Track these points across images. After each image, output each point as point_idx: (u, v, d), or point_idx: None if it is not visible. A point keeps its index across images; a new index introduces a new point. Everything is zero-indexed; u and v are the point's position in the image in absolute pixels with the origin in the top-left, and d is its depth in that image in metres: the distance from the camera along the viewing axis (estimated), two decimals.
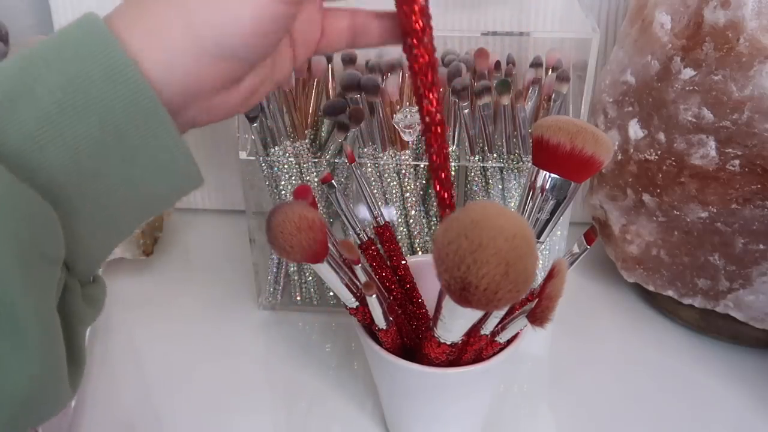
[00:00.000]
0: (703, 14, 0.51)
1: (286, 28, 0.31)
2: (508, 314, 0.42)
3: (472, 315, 0.37)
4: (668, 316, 0.63)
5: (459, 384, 0.44)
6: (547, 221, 0.42)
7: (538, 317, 0.38)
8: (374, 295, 0.41)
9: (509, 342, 0.44)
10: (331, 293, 0.63)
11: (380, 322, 0.43)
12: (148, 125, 0.29)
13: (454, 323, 0.39)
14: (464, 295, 0.32)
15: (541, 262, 0.60)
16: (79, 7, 0.69)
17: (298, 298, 0.64)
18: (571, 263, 0.43)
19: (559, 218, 0.43)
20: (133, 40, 0.29)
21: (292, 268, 0.62)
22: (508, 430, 0.53)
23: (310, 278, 0.63)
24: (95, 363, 0.59)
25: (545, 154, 0.40)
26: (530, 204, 0.42)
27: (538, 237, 0.43)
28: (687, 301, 0.58)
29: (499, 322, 0.42)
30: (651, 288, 0.60)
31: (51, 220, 0.28)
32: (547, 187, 0.41)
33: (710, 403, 0.55)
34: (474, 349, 0.43)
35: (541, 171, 0.41)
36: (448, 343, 0.41)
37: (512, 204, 0.58)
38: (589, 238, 0.42)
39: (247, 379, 0.58)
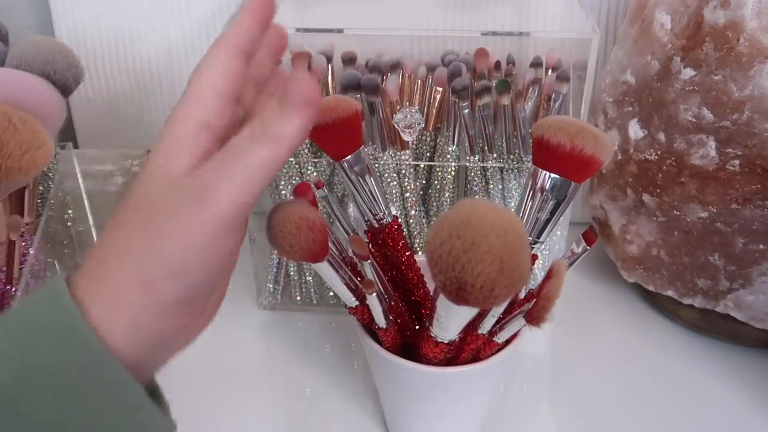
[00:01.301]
0: (703, 14, 0.51)
1: (228, 256, 0.31)
2: (505, 314, 0.42)
3: (468, 313, 0.37)
4: (668, 316, 0.63)
5: (458, 383, 0.44)
6: (547, 221, 0.42)
7: (534, 317, 0.39)
8: (374, 294, 0.41)
9: (508, 342, 0.44)
10: (331, 293, 0.63)
11: (380, 321, 0.43)
12: (110, 389, 0.29)
13: (449, 322, 0.39)
14: (461, 295, 0.32)
15: (541, 262, 0.60)
16: (79, 8, 0.69)
17: (298, 298, 0.64)
18: (571, 264, 0.43)
19: (559, 218, 0.43)
20: (99, 312, 0.28)
21: (292, 268, 0.62)
22: (508, 430, 0.53)
23: (310, 278, 0.63)
24: None
25: (545, 154, 0.40)
26: (530, 204, 0.42)
27: (538, 237, 0.43)
28: (687, 301, 0.58)
29: (497, 323, 0.42)
30: (651, 288, 0.60)
31: None
32: (547, 187, 0.41)
33: (710, 403, 0.55)
34: (471, 348, 0.43)
35: (541, 171, 0.41)
36: (446, 341, 0.41)
37: (512, 204, 0.58)
38: (588, 238, 0.42)
39: (247, 378, 0.58)
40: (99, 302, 0.29)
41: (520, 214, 0.43)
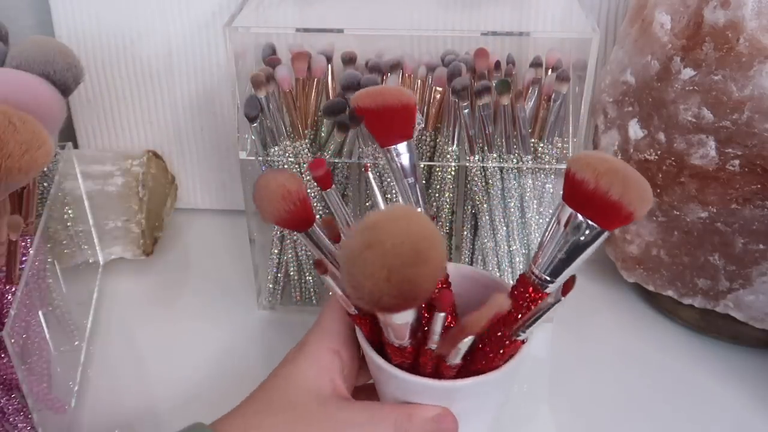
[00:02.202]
0: (703, 14, 0.51)
1: None
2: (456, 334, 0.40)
3: (398, 318, 0.37)
4: (668, 316, 0.63)
5: (465, 395, 0.43)
6: (563, 261, 0.39)
7: (441, 345, 0.38)
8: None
9: (509, 358, 0.42)
10: (331, 293, 0.63)
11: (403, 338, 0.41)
12: None
13: (386, 328, 0.39)
14: (354, 293, 0.32)
15: None
16: (79, 8, 0.69)
17: (298, 298, 0.64)
18: (538, 315, 0.39)
19: (579, 263, 0.39)
20: None
21: (292, 268, 0.62)
22: (508, 430, 0.53)
23: (310, 278, 0.63)
24: (95, 363, 0.59)
25: (570, 189, 0.37)
26: (549, 237, 0.39)
27: (552, 275, 0.39)
28: (687, 301, 0.58)
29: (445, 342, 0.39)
30: (651, 288, 0.60)
31: None
32: (568, 224, 0.38)
33: (710, 403, 0.55)
34: (426, 362, 0.40)
35: (565, 206, 0.38)
36: (396, 345, 0.40)
37: (512, 204, 0.58)
38: (566, 287, 0.39)
39: (247, 378, 0.58)
40: None
41: (540, 247, 0.39)
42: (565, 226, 0.38)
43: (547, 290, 0.40)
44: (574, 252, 0.38)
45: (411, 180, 0.45)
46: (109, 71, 0.72)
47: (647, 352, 0.60)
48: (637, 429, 0.53)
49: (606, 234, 0.37)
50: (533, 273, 0.40)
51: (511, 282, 0.62)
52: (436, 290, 0.41)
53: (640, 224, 0.58)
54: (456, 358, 0.39)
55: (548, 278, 0.40)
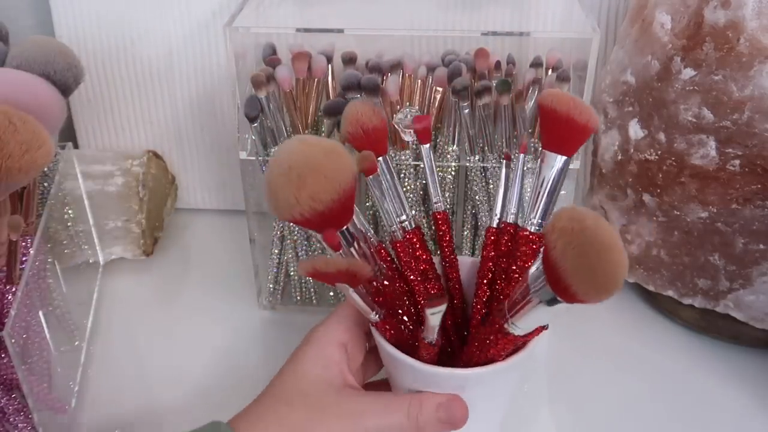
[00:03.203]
0: (704, 14, 0.51)
1: None
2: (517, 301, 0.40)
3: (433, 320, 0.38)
4: (668, 316, 0.63)
5: (485, 383, 0.43)
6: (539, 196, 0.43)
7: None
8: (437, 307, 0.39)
9: (522, 346, 0.42)
10: (331, 293, 0.63)
11: (432, 335, 0.41)
12: None
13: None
14: (272, 204, 0.38)
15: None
16: (80, 8, 0.69)
17: (298, 298, 0.64)
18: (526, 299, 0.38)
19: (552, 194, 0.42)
20: None
21: (292, 268, 0.62)
22: (508, 430, 0.53)
23: (310, 278, 0.62)
24: (95, 363, 0.59)
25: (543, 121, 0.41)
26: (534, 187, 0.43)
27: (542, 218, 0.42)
28: (687, 301, 0.58)
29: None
30: (651, 288, 0.60)
31: None
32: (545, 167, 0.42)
33: (710, 403, 0.55)
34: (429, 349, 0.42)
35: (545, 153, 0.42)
36: (426, 341, 0.41)
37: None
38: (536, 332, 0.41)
39: (247, 379, 0.58)
40: None
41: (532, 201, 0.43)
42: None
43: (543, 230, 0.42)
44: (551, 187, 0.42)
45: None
46: (109, 71, 0.72)
47: (647, 352, 0.60)
48: (637, 429, 0.53)
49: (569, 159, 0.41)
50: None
51: None
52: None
53: (640, 224, 0.58)
54: (430, 335, 0.40)
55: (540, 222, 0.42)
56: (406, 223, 0.47)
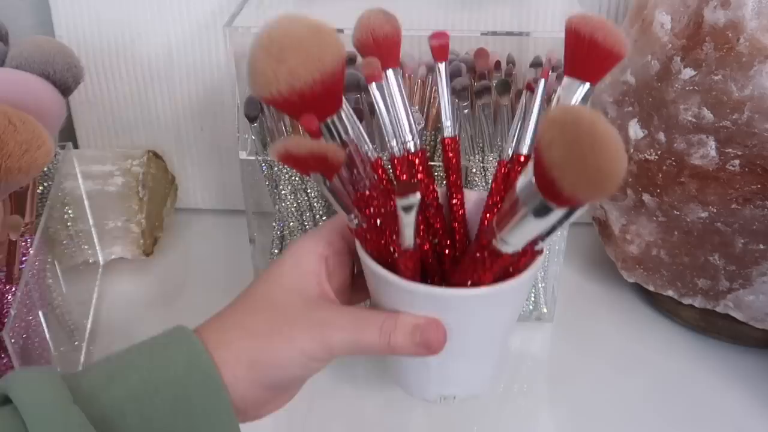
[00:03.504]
0: (703, 14, 0.51)
1: (320, 369, 0.39)
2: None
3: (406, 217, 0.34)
4: (668, 316, 0.63)
5: (487, 304, 0.39)
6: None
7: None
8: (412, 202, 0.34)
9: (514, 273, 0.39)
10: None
11: (408, 240, 0.37)
12: (214, 406, 0.35)
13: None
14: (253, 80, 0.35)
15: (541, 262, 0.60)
16: (80, 8, 0.69)
17: None
18: (517, 214, 0.34)
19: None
20: (213, 355, 0.36)
21: None
22: (508, 430, 0.53)
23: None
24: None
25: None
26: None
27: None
28: (687, 301, 0.58)
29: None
30: (651, 288, 0.60)
31: None
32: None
33: (710, 403, 0.55)
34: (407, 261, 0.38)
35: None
36: (403, 248, 0.37)
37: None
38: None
39: None
40: (218, 352, 0.36)
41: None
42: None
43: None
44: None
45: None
46: (109, 71, 0.72)
47: (647, 352, 0.60)
48: (637, 429, 0.53)
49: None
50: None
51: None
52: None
53: (640, 224, 0.58)
54: (406, 240, 0.36)
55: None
56: (410, 144, 0.43)
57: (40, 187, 0.57)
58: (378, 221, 0.39)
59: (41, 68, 0.49)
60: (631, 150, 0.57)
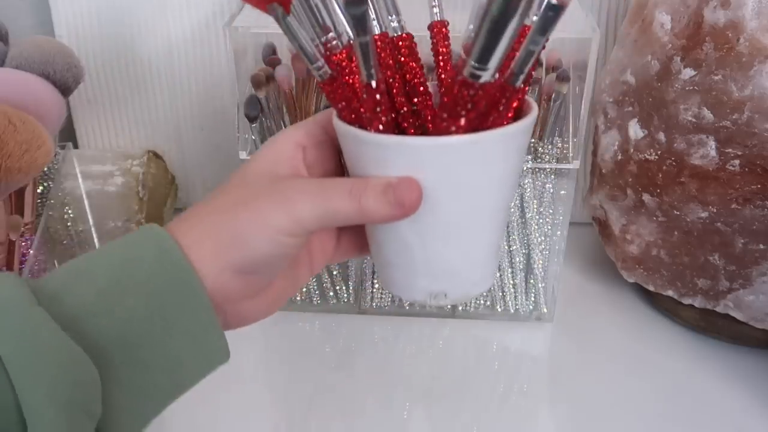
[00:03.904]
0: (703, 14, 0.51)
1: (296, 251, 0.36)
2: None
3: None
4: (668, 316, 0.63)
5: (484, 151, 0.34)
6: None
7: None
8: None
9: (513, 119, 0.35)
10: (331, 293, 0.63)
11: (366, 74, 0.33)
12: (188, 303, 0.33)
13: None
14: None
15: (541, 262, 0.60)
16: (80, 8, 0.69)
17: (299, 298, 0.64)
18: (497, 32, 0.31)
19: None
20: (181, 245, 0.34)
21: None
22: (508, 430, 0.53)
23: (310, 278, 0.63)
24: None
25: None
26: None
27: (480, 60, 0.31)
28: (687, 301, 0.58)
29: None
30: (651, 288, 0.60)
31: (93, 375, 0.31)
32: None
33: (710, 403, 0.55)
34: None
35: None
36: (370, 84, 0.33)
37: (512, 204, 0.58)
38: None
39: (247, 378, 0.58)
40: (185, 239, 0.34)
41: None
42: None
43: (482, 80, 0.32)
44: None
45: None
46: (109, 71, 0.72)
47: (647, 352, 0.60)
48: (637, 429, 0.53)
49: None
50: None
51: (512, 282, 0.62)
52: None
53: (640, 224, 0.58)
54: (365, 69, 0.33)
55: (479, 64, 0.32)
56: (395, 23, 0.39)
57: (40, 187, 0.57)
58: (345, 65, 0.36)
59: (41, 68, 0.49)
60: (631, 150, 0.57)
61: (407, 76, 0.40)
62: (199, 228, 0.35)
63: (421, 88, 0.40)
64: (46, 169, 0.57)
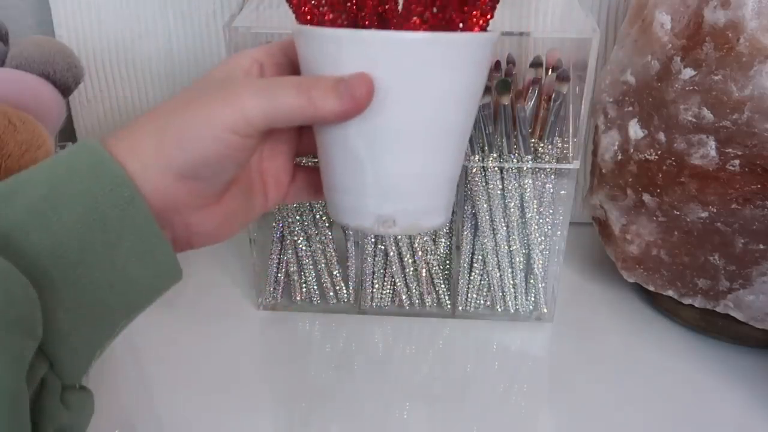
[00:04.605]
0: (703, 14, 0.51)
1: (243, 156, 0.34)
2: None
3: None
4: (668, 316, 0.63)
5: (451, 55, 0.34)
6: None
7: None
8: None
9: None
10: (332, 293, 0.63)
11: None
12: (128, 212, 0.32)
13: None
14: None
15: (541, 262, 0.60)
16: (79, 8, 0.69)
17: (298, 298, 0.64)
18: None
19: None
20: (119, 154, 0.33)
21: (292, 268, 0.62)
22: (508, 430, 0.53)
23: (310, 278, 0.63)
24: (95, 363, 0.59)
25: None
26: None
27: None
28: (687, 301, 0.58)
29: None
30: (651, 288, 0.60)
31: (28, 293, 0.29)
32: None
33: (710, 403, 0.55)
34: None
35: None
36: None
37: (512, 204, 0.58)
38: None
39: (247, 379, 0.58)
40: (122, 151, 0.32)
41: None
42: None
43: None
44: None
45: None
46: (109, 71, 0.72)
47: (647, 352, 0.60)
48: (637, 429, 0.53)
49: None
50: None
51: (512, 282, 0.62)
52: None
53: (640, 224, 0.58)
54: None
55: None
56: None
57: None
58: None
59: (41, 68, 0.49)
60: (631, 150, 0.57)
61: None
62: (140, 132, 0.33)
63: None
64: None
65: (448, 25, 0.34)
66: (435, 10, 0.33)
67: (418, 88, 0.34)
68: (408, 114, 0.34)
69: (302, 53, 0.36)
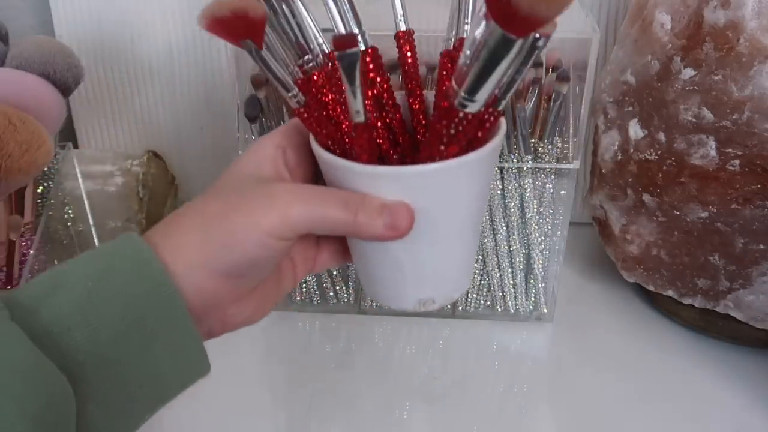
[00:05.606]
0: (703, 14, 0.51)
1: (282, 256, 0.35)
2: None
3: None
4: (668, 316, 0.63)
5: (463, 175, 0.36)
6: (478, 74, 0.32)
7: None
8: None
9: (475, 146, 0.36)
10: (332, 293, 0.63)
11: (358, 108, 0.34)
12: (167, 315, 0.32)
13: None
14: None
15: (541, 262, 0.60)
16: (80, 8, 0.69)
17: (298, 298, 0.64)
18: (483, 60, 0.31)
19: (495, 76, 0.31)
20: (163, 252, 0.33)
21: None
22: (508, 430, 0.53)
23: (310, 278, 0.62)
24: None
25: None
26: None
27: (470, 93, 0.32)
28: (687, 301, 0.58)
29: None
30: (651, 288, 0.60)
31: (66, 392, 0.30)
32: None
33: (710, 403, 0.55)
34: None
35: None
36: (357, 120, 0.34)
37: (512, 204, 0.58)
38: None
39: (247, 379, 0.58)
40: (168, 249, 0.33)
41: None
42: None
43: (468, 109, 0.33)
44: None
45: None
46: (109, 71, 0.72)
47: (647, 352, 0.60)
48: (637, 429, 0.53)
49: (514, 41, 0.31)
50: None
51: (512, 282, 0.62)
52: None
53: (640, 224, 0.58)
54: (354, 105, 0.33)
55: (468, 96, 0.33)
56: (359, 38, 0.39)
57: (40, 187, 0.57)
58: (321, 96, 0.37)
59: (41, 68, 0.49)
60: (631, 150, 0.57)
61: (375, 90, 0.40)
62: (185, 229, 0.34)
63: (390, 102, 0.41)
64: (46, 169, 0.57)
65: (471, 144, 0.36)
66: (462, 130, 0.34)
67: (453, 201, 0.37)
68: (443, 222, 0.37)
69: (332, 175, 0.37)
